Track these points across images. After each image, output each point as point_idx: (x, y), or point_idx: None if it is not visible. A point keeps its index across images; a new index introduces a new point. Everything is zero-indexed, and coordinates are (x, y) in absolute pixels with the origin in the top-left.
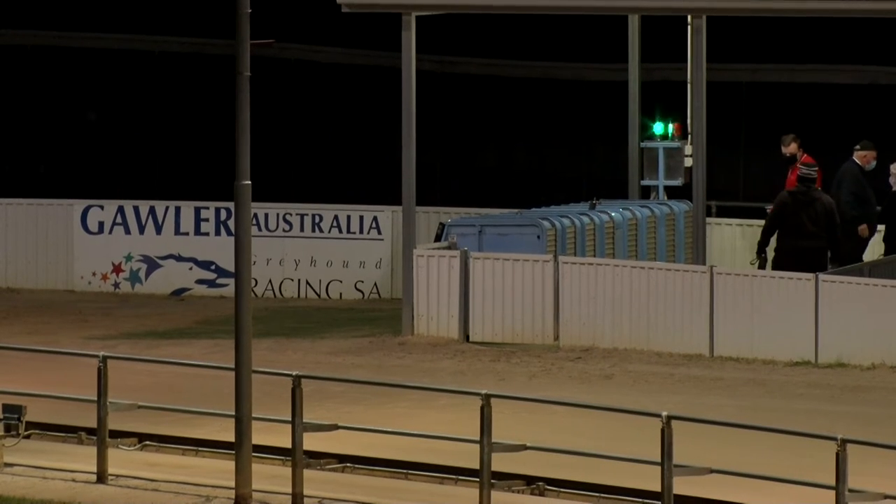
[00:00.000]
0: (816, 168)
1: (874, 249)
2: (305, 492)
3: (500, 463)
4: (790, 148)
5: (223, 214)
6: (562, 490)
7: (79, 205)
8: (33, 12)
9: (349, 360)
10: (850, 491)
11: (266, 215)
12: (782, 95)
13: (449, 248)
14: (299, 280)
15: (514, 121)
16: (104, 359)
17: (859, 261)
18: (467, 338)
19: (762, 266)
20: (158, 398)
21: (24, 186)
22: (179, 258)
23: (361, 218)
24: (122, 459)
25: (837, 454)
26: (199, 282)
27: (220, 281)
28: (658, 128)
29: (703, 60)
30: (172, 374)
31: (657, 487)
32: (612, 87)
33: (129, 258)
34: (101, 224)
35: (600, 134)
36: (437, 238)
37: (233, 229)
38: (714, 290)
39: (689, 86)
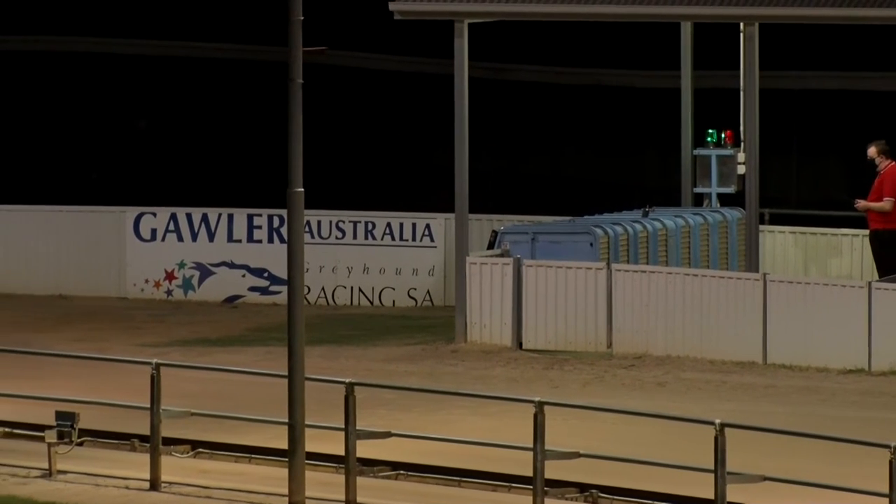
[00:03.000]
0: None
1: None
2: (358, 499)
3: (553, 470)
4: (870, 151)
5: (276, 221)
6: (615, 497)
7: (131, 212)
8: (85, 19)
9: (402, 367)
10: None
11: (319, 222)
12: (835, 103)
13: (502, 255)
14: (352, 287)
15: (566, 128)
16: (157, 366)
17: None
18: (520, 345)
19: None
20: (211, 405)
21: (76, 193)
22: (232, 265)
23: (414, 225)
24: (174, 466)
25: (891, 462)
26: (252, 289)
27: (272, 288)
28: (710, 136)
29: (755, 68)
30: (225, 382)
31: (710, 495)
32: (664, 94)
33: (181, 265)
34: (153, 231)
35: (652, 141)
36: (490, 245)
37: (285, 236)
38: (767, 297)
39: (741, 93)
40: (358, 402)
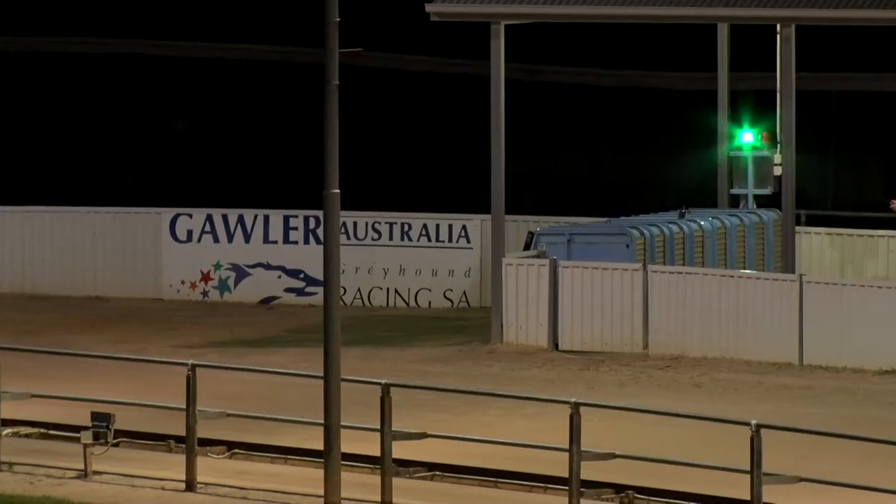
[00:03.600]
0: None
1: None
2: (394, 500)
3: (589, 471)
4: None
5: (312, 223)
6: (651, 498)
7: (167, 213)
8: (122, 21)
9: (438, 368)
10: None
11: (355, 224)
12: (871, 104)
13: (538, 256)
14: (388, 288)
15: (602, 129)
16: (193, 367)
17: None
18: (556, 346)
19: None
20: (247, 406)
21: (112, 195)
22: (268, 267)
23: (450, 226)
24: (211, 467)
25: None
26: (288, 290)
27: (308, 289)
28: (747, 137)
29: (792, 69)
30: (261, 383)
31: (746, 496)
32: (701, 96)
33: (217, 267)
34: (189, 232)
35: (689, 142)
36: (526, 247)
37: (321, 238)
38: (803, 298)
39: (778, 95)
40: (394, 403)
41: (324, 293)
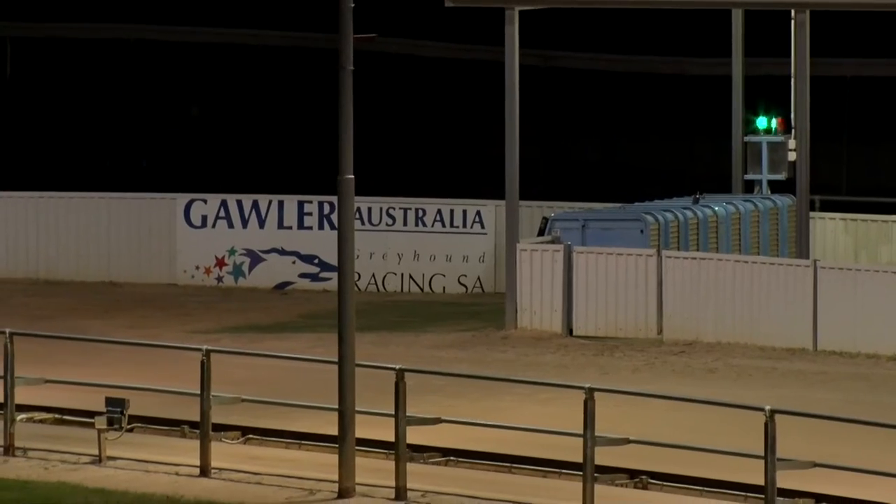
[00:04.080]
0: None
1: None
2: (409, 485)
3: (603, 456)
4: None
5: (326, 208)
6: (665, 483)
7: (182, 199)
8: (136, 6)
9: (452, 353)
10: None
11: (369, 209)
12: (886, 90)
13: (552, 242)
14: (402, 274)
15: (617, 115)
16: (207, 352)
17: None
18: (570, 332)
19: None
20: (261, 392)
21: (126, 181)
22: (282, 252)
23: (465, 212)
24: (225, 453)
25: None
26: (302, 275)
27: (323, 275)
28: (761, 122)
29: (806, 55)
30: (275, 368)
31: (760, 481)
32: (715, 81)
33: (232, 252)
34: (204, 218)
35: (703, 128)
36: (541, 232)
37: (336, 223)
38: (817, 284)
39: (792, 80)
40: (408, 389)
41: (338, 278)
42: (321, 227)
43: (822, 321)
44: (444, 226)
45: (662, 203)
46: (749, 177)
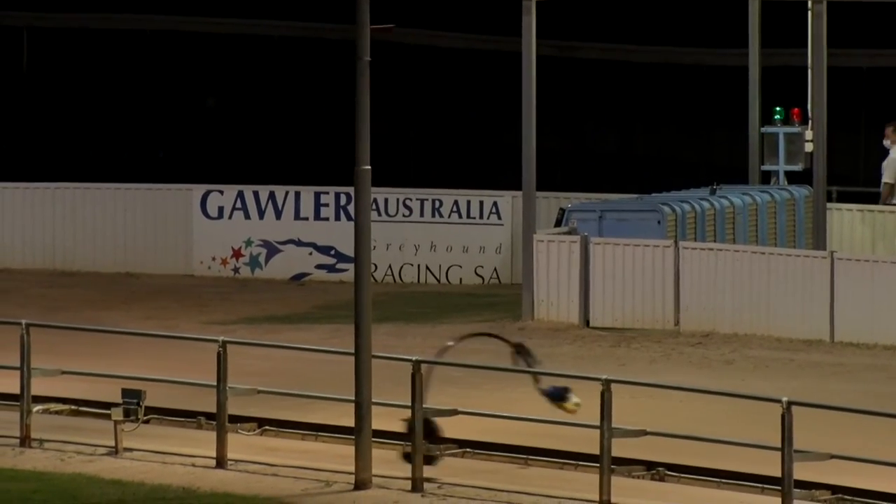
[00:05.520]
0: None
1: None
2: (425, 476)
3: (620, 448)
4: None
5: (343, 199)
6: (682, 475)
7: (198, 190)
8: None
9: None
10: None
11: (386, 200)
12: None
13: (569, 233)
14: (419, 265)
15: (634, 106)
16: (224, 343)
17: None
18: (587, 323)
19: None
20: (278, 383)
21: (143, 172)
22: (299, 243)
23: (481, 203)
24: (241, 444)
25: None
26: (319, 267)
27: (339, 266)
28: (778, 113)
29: (823, 45)
30: (292, 359)
31: (777, 473)
32: (732, 72)
33: (248, 243)
34: (220, 209)
35: (720, 119)
36: (557, 223)
37: (353, 214)
38: (834, 275)
39: (809, 71)
40: (424, 380)
41: (355, 269)
42: (338, 218)
43: (839, 312)
44: (460, 217)
45: (679, 194)
46: (766, 167)
